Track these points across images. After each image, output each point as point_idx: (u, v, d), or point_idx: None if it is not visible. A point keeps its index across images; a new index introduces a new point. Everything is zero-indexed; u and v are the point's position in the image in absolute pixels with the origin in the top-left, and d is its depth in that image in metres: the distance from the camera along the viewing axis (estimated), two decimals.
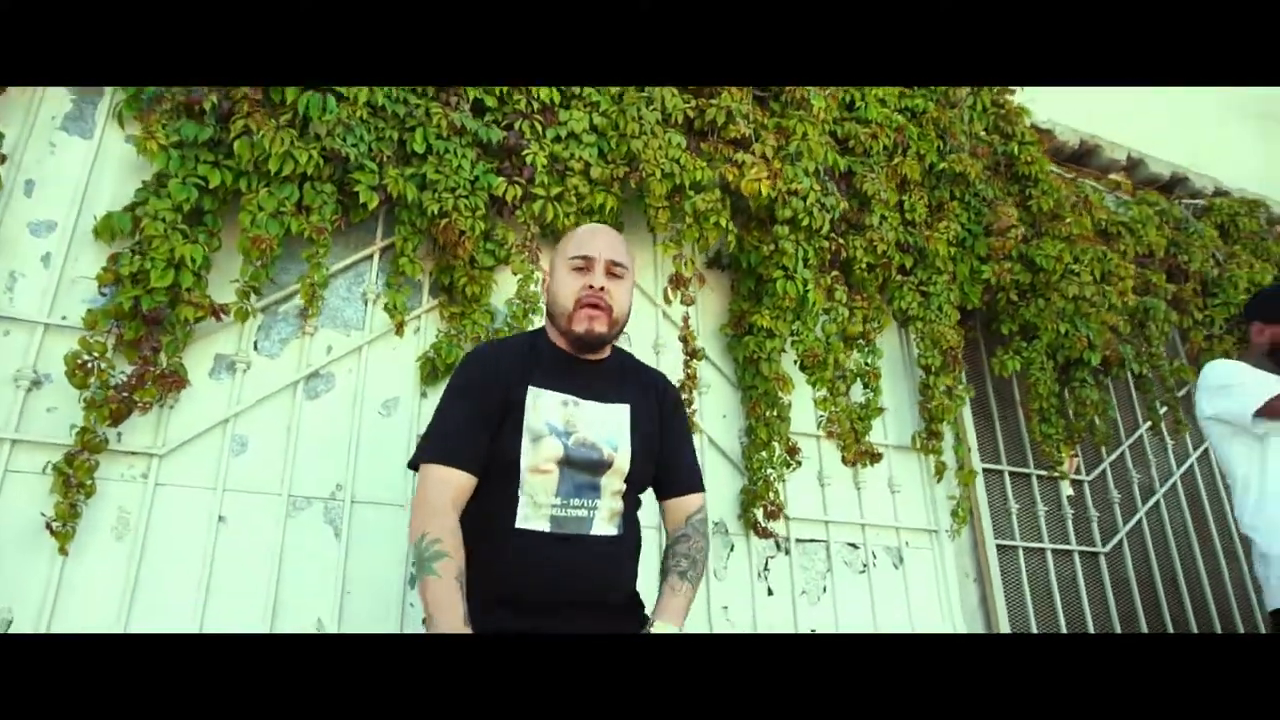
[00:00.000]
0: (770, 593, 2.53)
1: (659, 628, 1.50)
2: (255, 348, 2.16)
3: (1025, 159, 3.27)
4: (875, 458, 2.66)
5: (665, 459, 1.65)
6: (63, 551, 1.79)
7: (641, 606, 1.62)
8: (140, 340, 1.94)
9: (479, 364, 1.57)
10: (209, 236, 2.05)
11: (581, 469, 1.50)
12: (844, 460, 2.64)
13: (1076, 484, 3.30)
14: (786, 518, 2.52)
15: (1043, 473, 3.24)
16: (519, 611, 1.42)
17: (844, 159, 2.83)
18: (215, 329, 2.10)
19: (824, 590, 2.62)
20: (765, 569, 2.56)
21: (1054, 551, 3.13)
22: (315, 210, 2.14)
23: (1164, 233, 3.64)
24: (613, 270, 1.56)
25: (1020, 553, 3.06)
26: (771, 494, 2.48)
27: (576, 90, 2.52)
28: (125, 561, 1.86)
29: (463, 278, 2.29)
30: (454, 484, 1.44)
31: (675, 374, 2.47)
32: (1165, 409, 3.43)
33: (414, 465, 1.52)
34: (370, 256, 2.36)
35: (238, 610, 1.93)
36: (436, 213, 2.23)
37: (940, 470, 2.81)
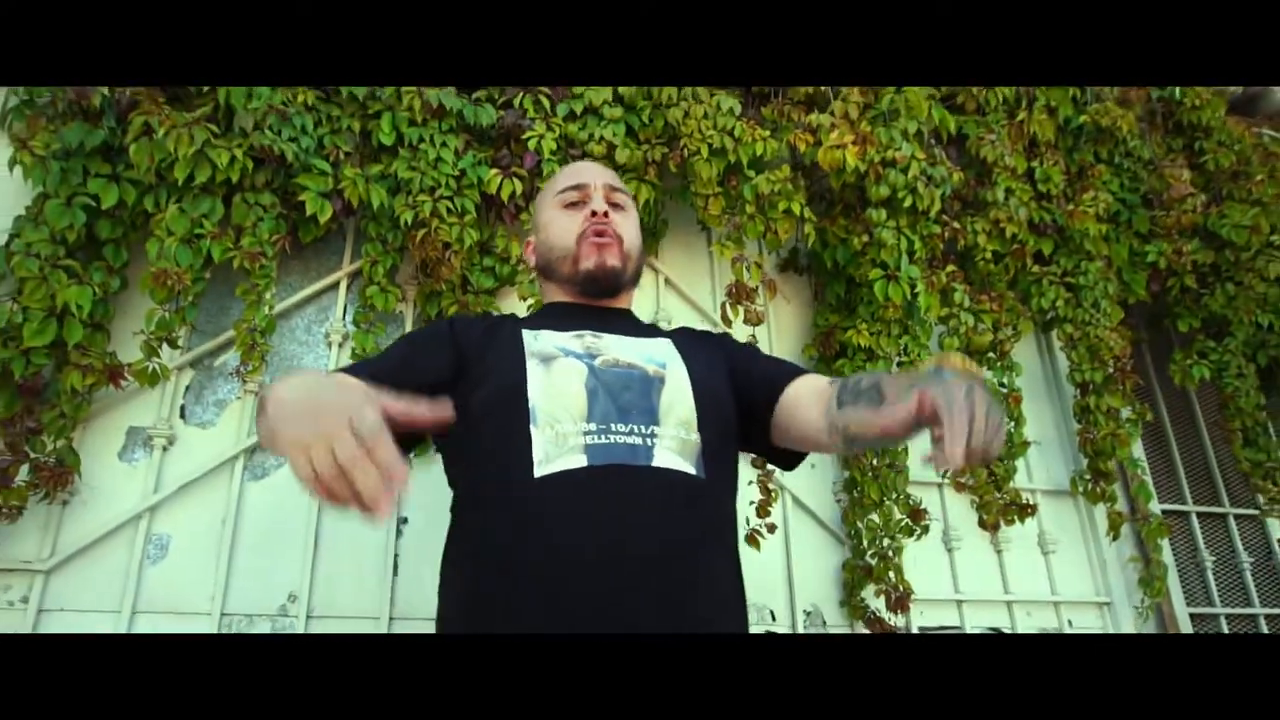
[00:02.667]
0: None
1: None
2: (182, 415, 1.65)
3: (1191, 103, 2.51)
4: (1025, 511, 1.97)
5: (754, 376, 1.14)
6: None
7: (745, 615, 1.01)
8: (14, 420, 1.45)
9: (436, 323, 1.18)
10: (107, 275, 1.55)
11: (622, 388, 1.01)
12: (983, 523, 1.95)
13: None
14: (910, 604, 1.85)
15: (1244, 511, 2.46)
16: (543, 595, 0.88)
17: (954, 117, 2.15)
18: (128, 395, 1.60)
19: None
20: None
21: (1268, 618, 2.36)
22: (249, 230, 1.61)
23: None
24: (614, 199, 1.20)
25: (1223, 623, 2.30)
26: (892, 573, 1.82)
27: None
28: None
29: (452, 305, 1.73)
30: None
31: None
32: None
33: None
34: (336, 285, 1.82)
35: None
36: (412, 222, 1.68)
37: (1116, 525, 2.08)
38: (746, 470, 1.85)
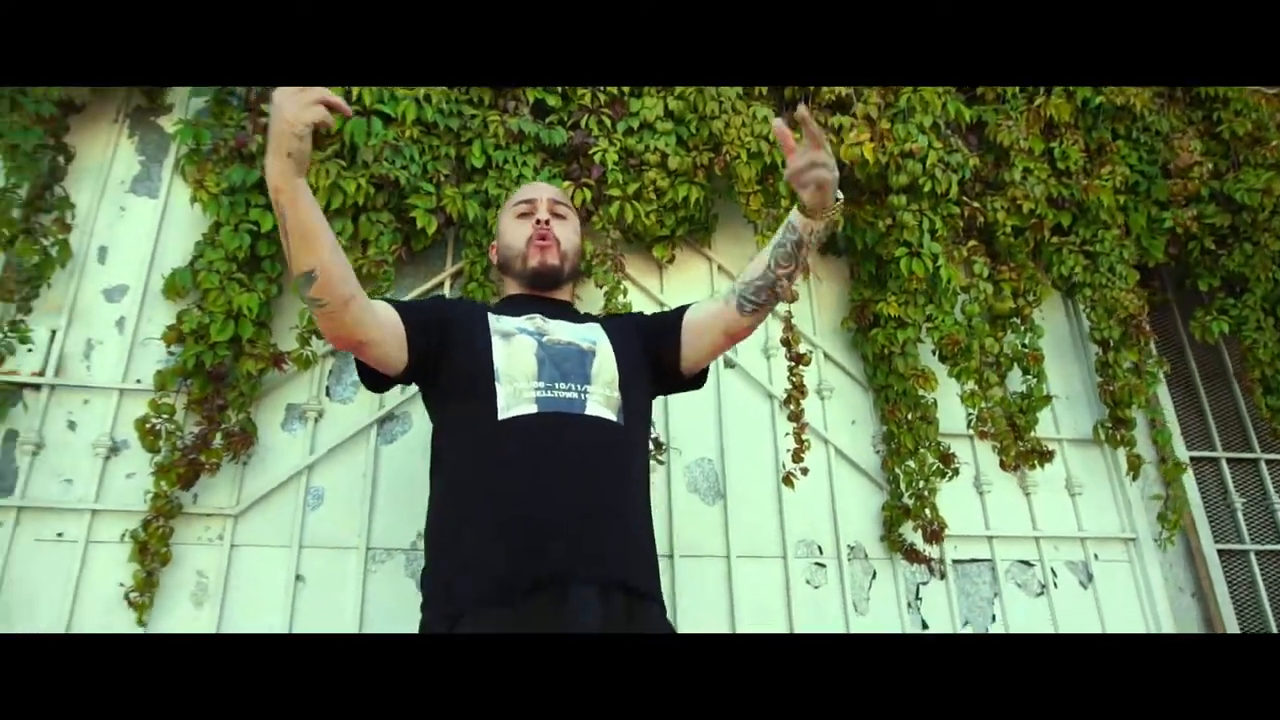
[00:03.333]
0: (925, 627, 2.14)
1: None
2: (328, 394, 2.05)
3: None
4: (1045, 457, 2.21)
5: (656, 326, 1.52)
6: (140, 623, 1.73)
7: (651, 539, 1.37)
8: (207, 398, 1.87)
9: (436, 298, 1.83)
10: (268, 283, 1.96)
11: (563, 359, 1.37)
12: (1002, 465, 2.20)
13: None
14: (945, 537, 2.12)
15: (1274, 456, 2.62)
16: (502, 530, 1.23)
17: (970, 109, 2.39)
18: (287, 378, 2.01)
19: (993, 619, 2.19)
20: (917, 598, 2.17)
21: None
22: (373, 242, 2.00)
23: None
24: (556, 210, 1.57)
25: (1252, 558, 2.48)
26: (928, 510, 2.09)
27: None
28: (205, 629, 1.78)
29: None
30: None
31: (783, 383, 2.15)
32: None
33: None
34: (441, 284, 2.20)
35: None
36: None
37: (1135, 466, 2.29)
38: (783, 424, 2.16)
